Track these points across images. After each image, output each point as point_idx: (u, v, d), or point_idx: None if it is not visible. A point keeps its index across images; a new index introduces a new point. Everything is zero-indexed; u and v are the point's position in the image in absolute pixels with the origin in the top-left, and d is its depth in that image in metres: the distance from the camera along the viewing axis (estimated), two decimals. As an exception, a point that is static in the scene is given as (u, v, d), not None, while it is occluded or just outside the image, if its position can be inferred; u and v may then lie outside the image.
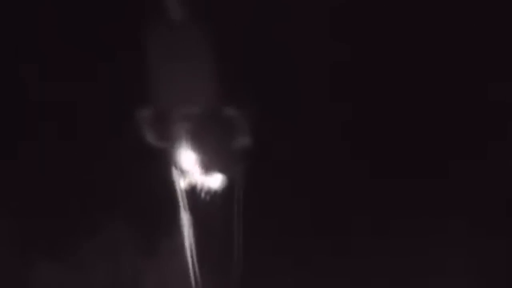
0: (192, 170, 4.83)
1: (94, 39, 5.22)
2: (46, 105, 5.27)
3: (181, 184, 4.87)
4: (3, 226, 5.19)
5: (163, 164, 4.87)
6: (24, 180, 5.26)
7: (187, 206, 4.87)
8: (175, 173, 4.87)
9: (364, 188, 5.25)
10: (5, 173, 5.22)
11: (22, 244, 5.21)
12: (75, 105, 5.23)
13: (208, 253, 4.89)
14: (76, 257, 5.15)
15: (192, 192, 4.86)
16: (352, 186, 5.25)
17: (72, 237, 5.16)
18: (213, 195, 4.86)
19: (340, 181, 5.26)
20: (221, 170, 4.85)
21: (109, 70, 5.16)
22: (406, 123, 5.31)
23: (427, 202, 5.22)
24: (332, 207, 5.24)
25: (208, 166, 4.83)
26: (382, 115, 5.32)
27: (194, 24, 4.74)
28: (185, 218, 4.87)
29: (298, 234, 5.18)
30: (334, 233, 5.21)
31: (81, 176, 5.24)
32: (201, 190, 4.86)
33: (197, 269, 4.89)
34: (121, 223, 5.17)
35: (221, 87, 4.74)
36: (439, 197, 5.22)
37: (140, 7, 4.88)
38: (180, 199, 4.88)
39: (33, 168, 5.29)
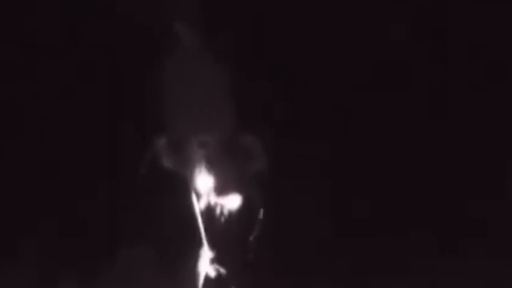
0: (209, 193, 4.95)
1: (108, 70, 5.34)
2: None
3: (199, 206, 4.98)
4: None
5: (181, 188, 4.98)
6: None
7: (206, 228, 4.96)
8: (193, 197, 4.97)
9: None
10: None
11: (47, 266, 5.34)
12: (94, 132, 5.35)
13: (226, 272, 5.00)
14: (95, 280, 5.26)
15: (210, 214, 4.97)
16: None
17: (92, 261, 5.27)
18: (231, 216, 4.98)
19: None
20: (238, 191, 4.97)
21: (124, 98, 5.30)
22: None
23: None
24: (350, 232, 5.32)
25: (225, 189, 4.95)
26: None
27: (208, 53, 4.90)
28: (204, 240, 4.98)
29: (316, 253, 5.28)
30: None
31: (101, 202, 5.36)
32: (219, 212, 4.97)
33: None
34: (141, 247, 5.26)
35: (236, 115, 4.90)
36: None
37: (154, 37, 5.02)
38: (198, 221, 4.98)
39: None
